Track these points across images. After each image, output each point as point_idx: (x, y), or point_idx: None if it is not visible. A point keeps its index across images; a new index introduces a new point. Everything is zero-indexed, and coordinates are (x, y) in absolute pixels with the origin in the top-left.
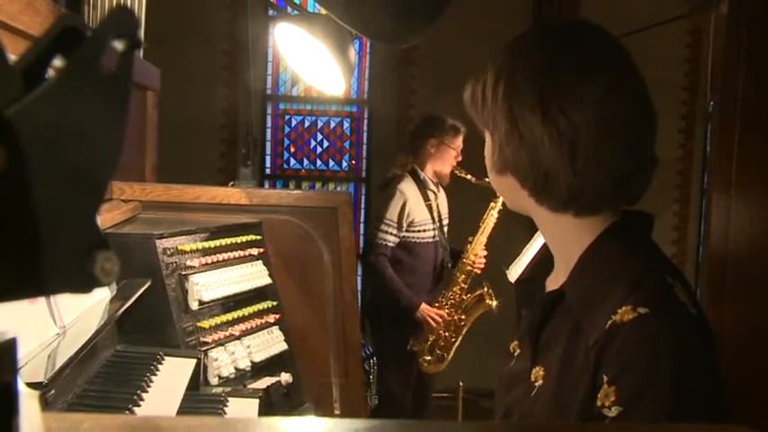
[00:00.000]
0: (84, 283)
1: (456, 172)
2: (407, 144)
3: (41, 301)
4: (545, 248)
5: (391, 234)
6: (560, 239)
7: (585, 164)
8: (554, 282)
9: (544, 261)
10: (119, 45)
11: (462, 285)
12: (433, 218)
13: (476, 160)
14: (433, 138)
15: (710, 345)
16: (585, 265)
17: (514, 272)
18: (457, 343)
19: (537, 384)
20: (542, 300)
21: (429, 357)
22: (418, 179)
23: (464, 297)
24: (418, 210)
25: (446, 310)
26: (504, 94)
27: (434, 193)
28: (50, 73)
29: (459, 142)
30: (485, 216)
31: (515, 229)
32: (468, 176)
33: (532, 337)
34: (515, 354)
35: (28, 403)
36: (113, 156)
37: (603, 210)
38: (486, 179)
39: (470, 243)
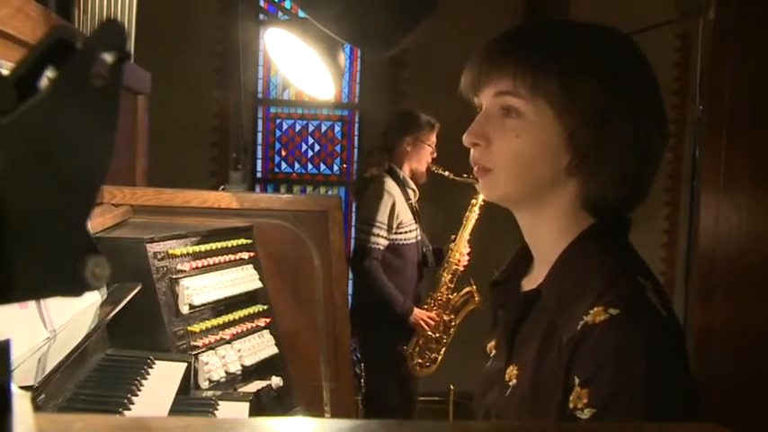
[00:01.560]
0: (75, 287)
1: (433, 169)
2: (382, 143)
3: (32, 305)
4: (521, 251)
5: (382, 237)
6: (545, 240)
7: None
8: (532, 282)
9: (519, 263)
10: (108, 57)
11: (449, 285)
12: (415, 218)
13: (450, 158)
14: (408, 135)
15: (682, 345)
16: (563, 265)
17: None
18: (447, 344)
19: (511, 384)
20: (519, 299)
21: (420, 360)
22: (398, 179)
23: (451, 297)
24: (404, 210)
25: (435, 312)
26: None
27: (414, 191)
28: (44, 80)
29: (434, 138)
30: (467, 213)
31: (503, 232)
32: (446, 173)
33: (508, 337)
34: (492, 354)
35: (20, 403)
36: (103, 163)
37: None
38: (465, 175)
39: (453, 241)
